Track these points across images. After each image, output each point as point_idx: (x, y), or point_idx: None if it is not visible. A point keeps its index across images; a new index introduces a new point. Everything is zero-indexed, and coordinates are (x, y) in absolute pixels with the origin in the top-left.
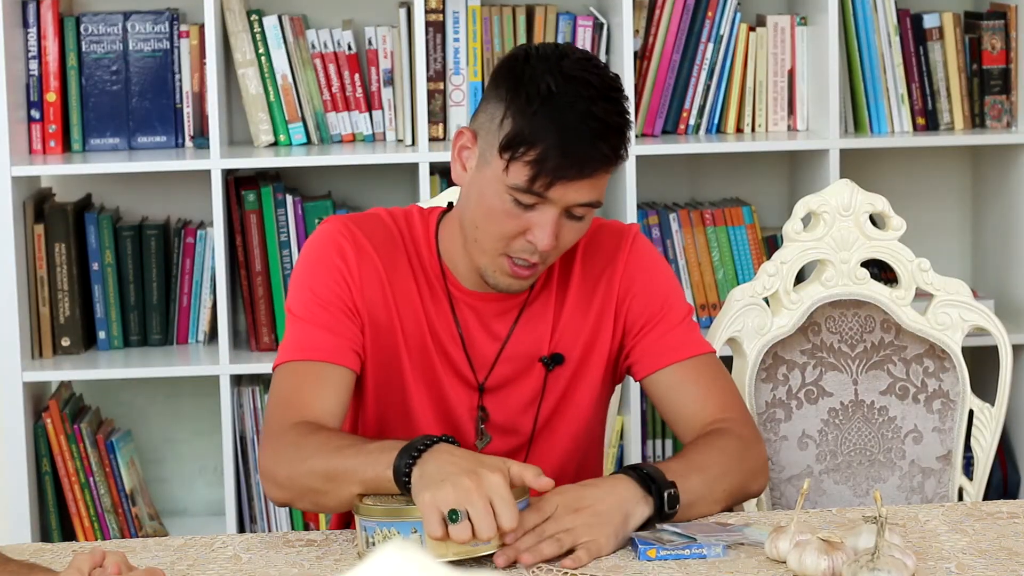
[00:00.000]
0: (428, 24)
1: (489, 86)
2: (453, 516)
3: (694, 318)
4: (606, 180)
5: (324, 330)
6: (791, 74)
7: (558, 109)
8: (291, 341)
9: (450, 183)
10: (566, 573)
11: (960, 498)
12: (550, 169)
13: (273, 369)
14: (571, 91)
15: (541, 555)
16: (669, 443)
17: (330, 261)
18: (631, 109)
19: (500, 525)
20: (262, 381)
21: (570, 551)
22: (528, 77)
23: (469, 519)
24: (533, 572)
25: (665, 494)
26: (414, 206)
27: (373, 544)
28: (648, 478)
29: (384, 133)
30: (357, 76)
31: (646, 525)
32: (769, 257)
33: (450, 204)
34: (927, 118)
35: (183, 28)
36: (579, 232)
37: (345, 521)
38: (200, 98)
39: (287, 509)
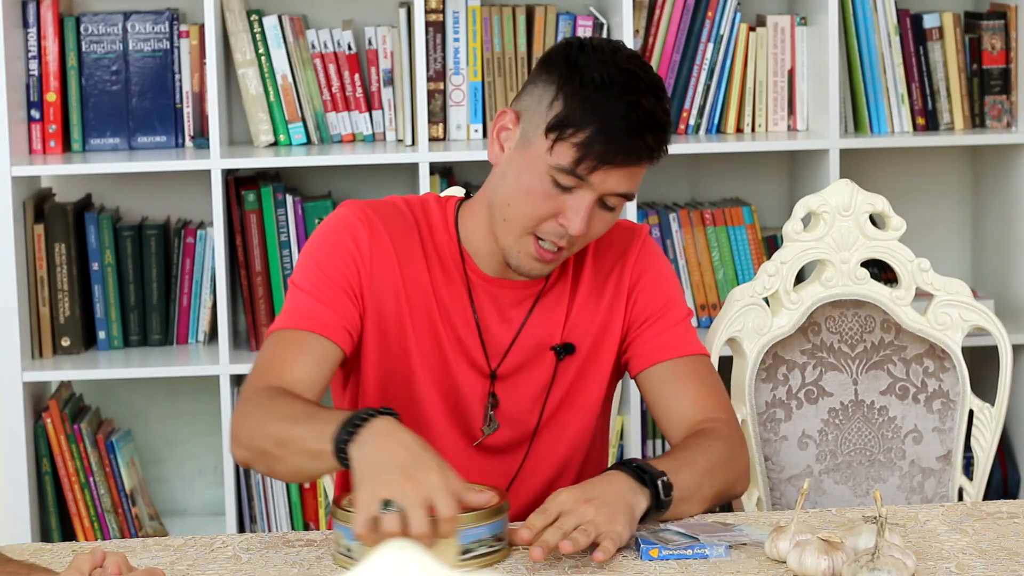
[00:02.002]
0: (428, 24)
1: (537, 71)
2: (387, 506)
3: (694, 321)
4: (643, 173)
5: (320, 303)
6: (791, 74)
7: (609, 97)
8: (286, 310)
9: (451, 183)
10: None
11: (960, 498)
12: (596, 154)
13: (266, 336)
14: (622, 82)
15: (578, 544)
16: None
17: (342, 242)
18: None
19: (440, 514)
20: None
21: (594, 544)
22: (583, 64)
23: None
24: (527, 566)
25: (659, 482)
26: (430, 194)
27: (348, 551)
28: (640, 470)
29: (384, 133)
30: (357, 76)
31: (646, 517)
32: (769, 257)
33: (467, 193)
34: (927, 118)
35: (183, 28)
36: (608, 224)
37: None
38: (200, 98)
39: (287, 509)
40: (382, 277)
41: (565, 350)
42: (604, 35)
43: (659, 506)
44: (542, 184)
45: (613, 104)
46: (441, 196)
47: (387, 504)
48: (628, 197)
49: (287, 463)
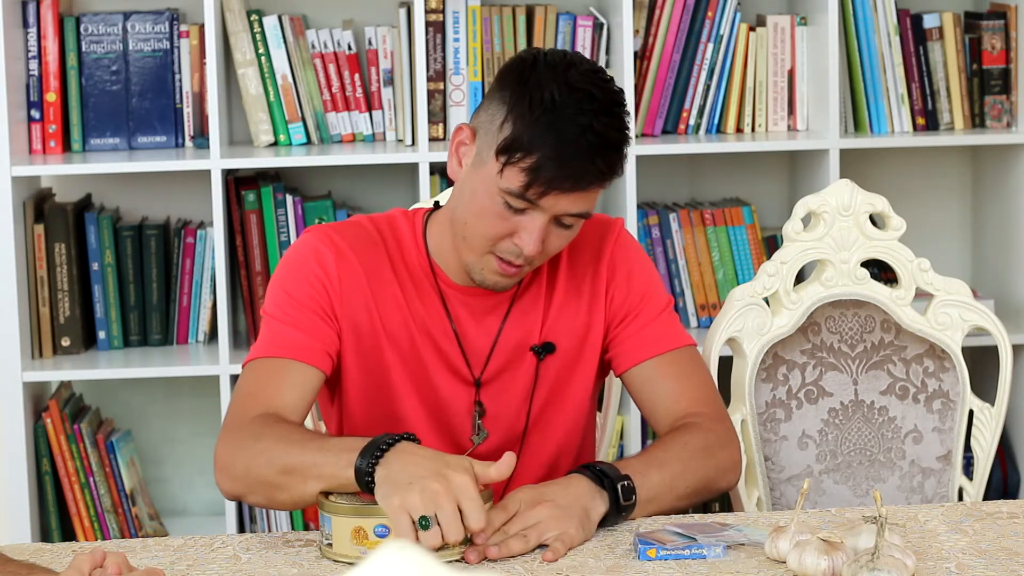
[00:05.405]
0: (428, 24)
1: (494, 86)
2: (424, 523)
3: (693, 321)
4: (599, 192)
5: (295, 329)
6: (791, 74)
7: (559, 120)
8: (262, 339)
9: (450, 183)
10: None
11: (960, 498)
12: (545, 179)
13: (243, 367)
14: (574, 103)
15: (509, 550)
16: None
17: (309, 267)
18: (632, 124)
19: (468, 526)
20: None
21: (540, 546)
22: (533, 83)
23: (439, 524)
24: (525, 566)
25: (618, 487)
26: (396, 209)
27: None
28: (601, 474)
29: (384, 133)
30: (357, 76)
31: (606, 520)
32: (769, 257)
33: (436, 204)
34: (927, 118)
35: (183, 28)
36: (566, 240)
37: None
38: (200, 98)
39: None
40: (352, 297)
41: (545, 349)
42: (604, 35)
43: (619, 510)
44: (494, 205)
45: (563, 127)
46: (408, 210)
47: (423, 521)
48: (584, 216)
49: (293, 491)
